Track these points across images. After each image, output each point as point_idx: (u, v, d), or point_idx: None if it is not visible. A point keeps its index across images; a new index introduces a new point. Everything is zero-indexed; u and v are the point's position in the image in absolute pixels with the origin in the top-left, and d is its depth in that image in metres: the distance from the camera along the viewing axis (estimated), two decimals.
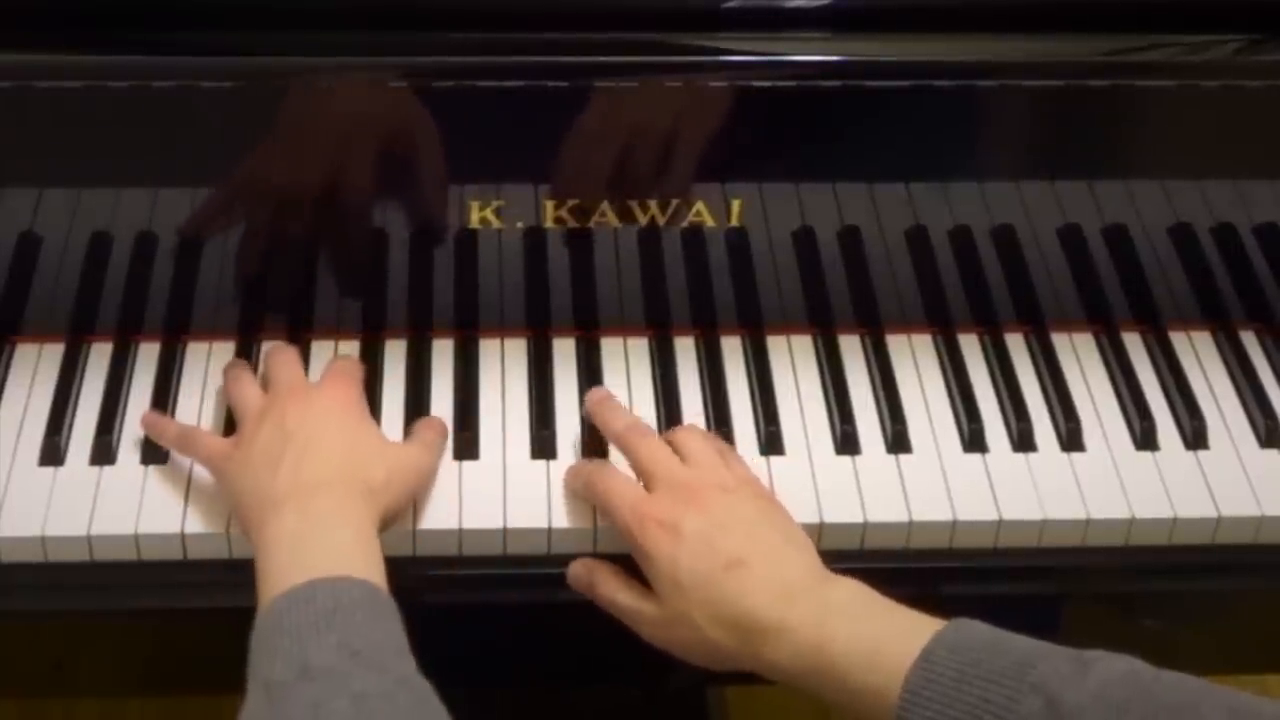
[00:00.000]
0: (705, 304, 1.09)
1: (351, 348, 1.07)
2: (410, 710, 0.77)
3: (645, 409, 1.04)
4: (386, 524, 0.92)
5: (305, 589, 0.81)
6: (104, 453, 0.99)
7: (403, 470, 0.94)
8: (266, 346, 1.07)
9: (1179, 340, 1.11)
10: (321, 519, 0.87)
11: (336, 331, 1.08)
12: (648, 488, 0.93)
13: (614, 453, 1.00)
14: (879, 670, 0.81)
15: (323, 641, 0.78)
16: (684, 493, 0.91)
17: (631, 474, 0.96)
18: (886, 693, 0.80)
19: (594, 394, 1.02)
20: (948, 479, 1.00)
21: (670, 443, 0.96)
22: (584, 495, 0.96)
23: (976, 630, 0.81)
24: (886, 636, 0.83)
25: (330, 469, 0.90)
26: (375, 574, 0.85)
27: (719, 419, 1.03)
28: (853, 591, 0.86)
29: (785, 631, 0.84)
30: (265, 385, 1.01)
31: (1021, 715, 0.75)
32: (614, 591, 0.93)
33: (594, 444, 1.01)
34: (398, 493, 0.93)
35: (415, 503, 0.96)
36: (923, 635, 0.81)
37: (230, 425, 1.01)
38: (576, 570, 0.95)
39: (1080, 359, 1.10)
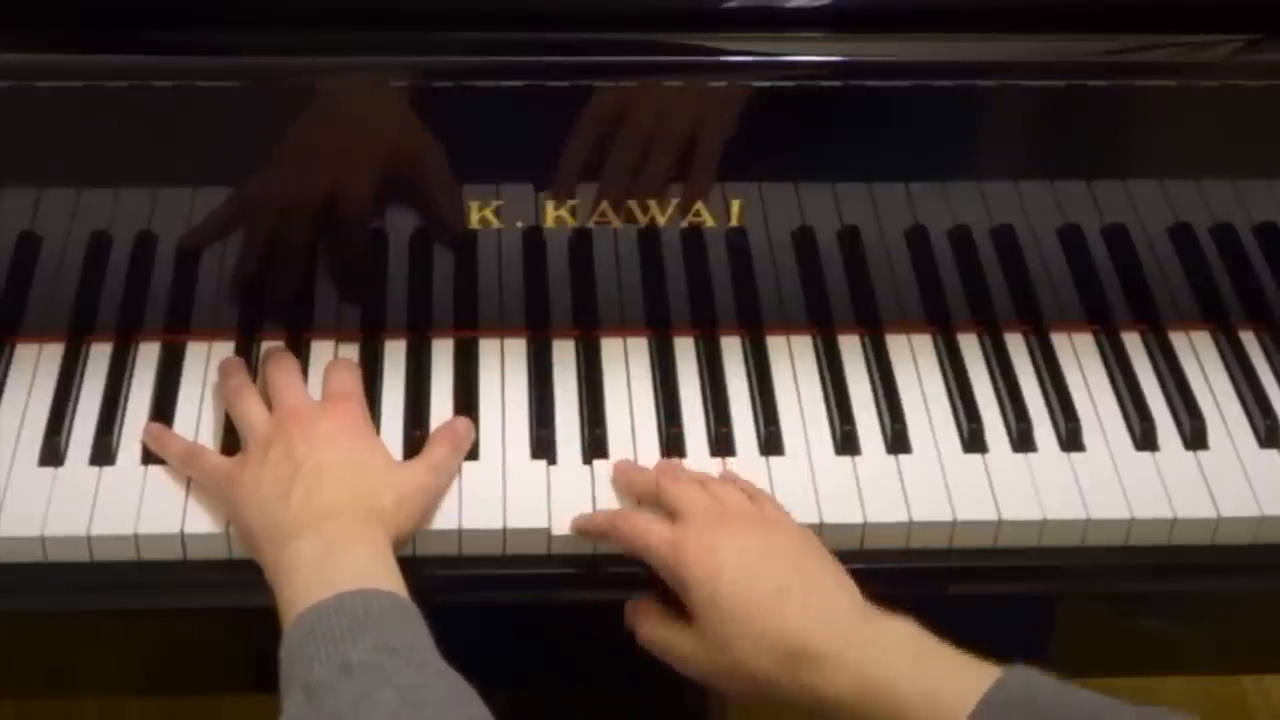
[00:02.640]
0: (705, 304, 1.09)
1: (351, 348, 1.07)
2: (453, 702, 0.78)
3: (645, 409, 1.04)
4: (397, 546, 0.92)
5: (333, 601, 0.82)
6: (104, 453, 0.99)
7: (410, 494, 0.94)
8: (266, 346, 1.07)
9: (1179, 340, 1.11)
10: (339, 540, 0.88)
11: (336, 332, 1.08)
12: (674, 523, 0.92)
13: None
14: (938, 707, 0.81)
15: (359, 643, 0.79)
16: (720, 522, 0.91)
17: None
18: None
19: (617, 464, 0.99)
20: (947, 479, 1.00)
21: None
22: (610, 538, 0.94)
23: (1039, 680, 0.81)
24: (944, 677, 0.82)
25: (341, 497, 0.90)
26: (397, 587, 0.86)
27: (719, 419, 1.03)
28: (906, 629, 0.86)
29: (838, 662, 0.83)
30: (265, 394, 1.01)
31: None
32: (654, 628, 0.92)
33: (594, 444, 1.01)
34: (407, 516, 0.93)
35: None
36: (981, 678, 0.80)
37: (231, 427, 1.01)
38: (628, 610, 0.95)
39: (1080, 359, 1.10)
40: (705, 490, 0.95)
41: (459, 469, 0.99)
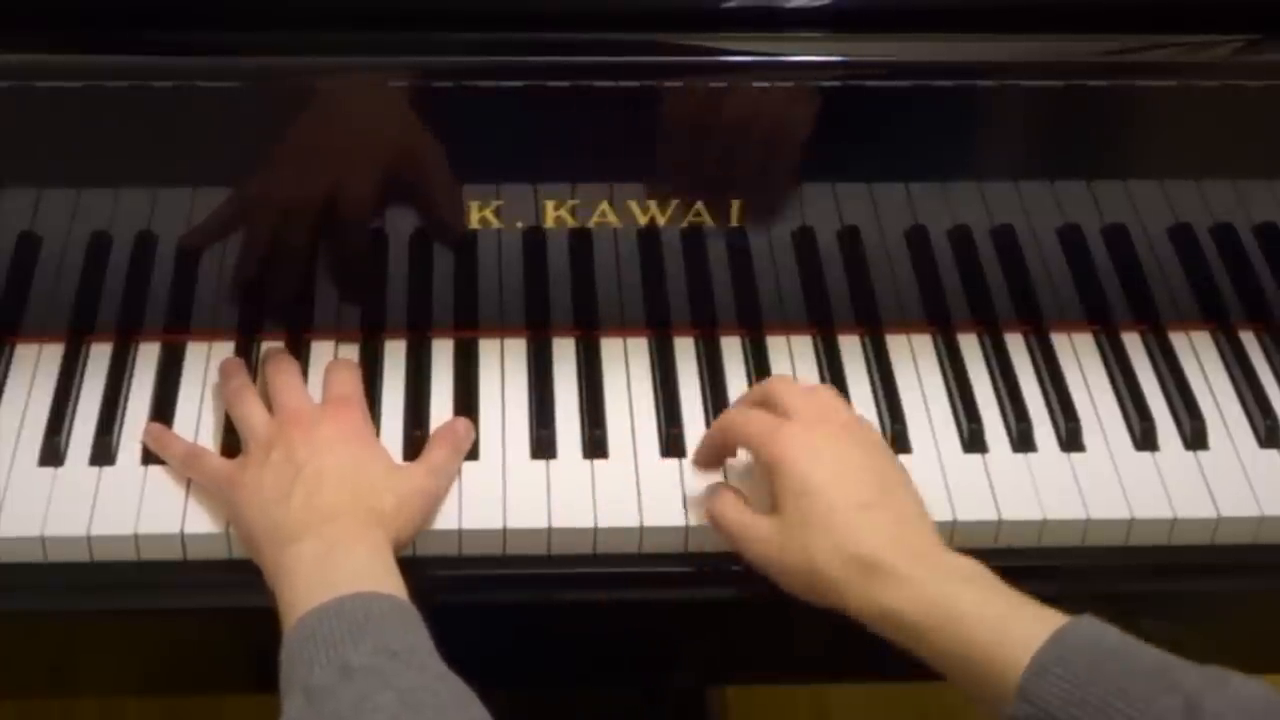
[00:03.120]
0: (705, 304, 1.09)
1: (351, 348, 1.07)
2: (454, 705, 0.78)
3: (645, 409, 1.04)
4: (398, 549, 0.92)
5: (333, 604, 0.82)
6: (104, 453, 0.99)
7: (410, 496, 0.94)
8: (266, 347, 1.07)
9: (1179, 340, 1.11)
10: (339, 542, 0.88)
11: (336, 331, 1.08)
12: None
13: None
14: (1000, 638, 0.82)
15: (359, 646, 0.79)
16: (822, 421, 0.93)
17: None
18: (1010, 662, 0.80)
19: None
20: (947, 479, 1.00)
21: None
22: (716, 442, 0.97)
23: (1106, 629, 0.82)
24: (1012, 612, 0.84)
25: (341, 500, 0.91)
26: (398, 589, 0.86)
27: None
28: (976, 565, 0.87)
29: (909, 580, 0.85)
30: (264, 394, 1.01)
31: (1156, 712, 0.76)
32: (727, 507, 0.93)
33: (594, 444, 1.01)
34: (407, 519, 0.93)
35: None
36: (1049, 619, 0.82)
37: (231, 428, 1.01)
38: (706, 503, 0.95)
39: (1080, 359, 1.10)
40: (817, 396, 0.96)
41: (459, 470, 0.99)
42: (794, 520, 0.89)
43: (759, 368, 1.07)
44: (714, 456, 0.98)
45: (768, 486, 0.92)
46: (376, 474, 0.94)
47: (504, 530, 0.96)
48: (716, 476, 0.99)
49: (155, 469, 0.99)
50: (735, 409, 0.98)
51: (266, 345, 1.07)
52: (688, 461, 1.01)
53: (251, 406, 0.99)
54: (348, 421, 0.97)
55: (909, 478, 0.94)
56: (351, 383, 1.02)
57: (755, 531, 0.91)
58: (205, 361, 1.06)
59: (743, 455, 0.98)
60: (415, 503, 0.94)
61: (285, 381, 1.01)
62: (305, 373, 1.05)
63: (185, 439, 1.00)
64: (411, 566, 0.94)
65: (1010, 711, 0.80)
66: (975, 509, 0.98)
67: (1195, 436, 1.04)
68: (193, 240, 1.03)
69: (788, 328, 1.10)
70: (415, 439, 1.01)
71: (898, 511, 0.90)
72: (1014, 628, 0.82)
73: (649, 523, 0.97)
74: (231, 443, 1.00)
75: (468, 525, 0.96)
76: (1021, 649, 0.80)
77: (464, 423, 1.00)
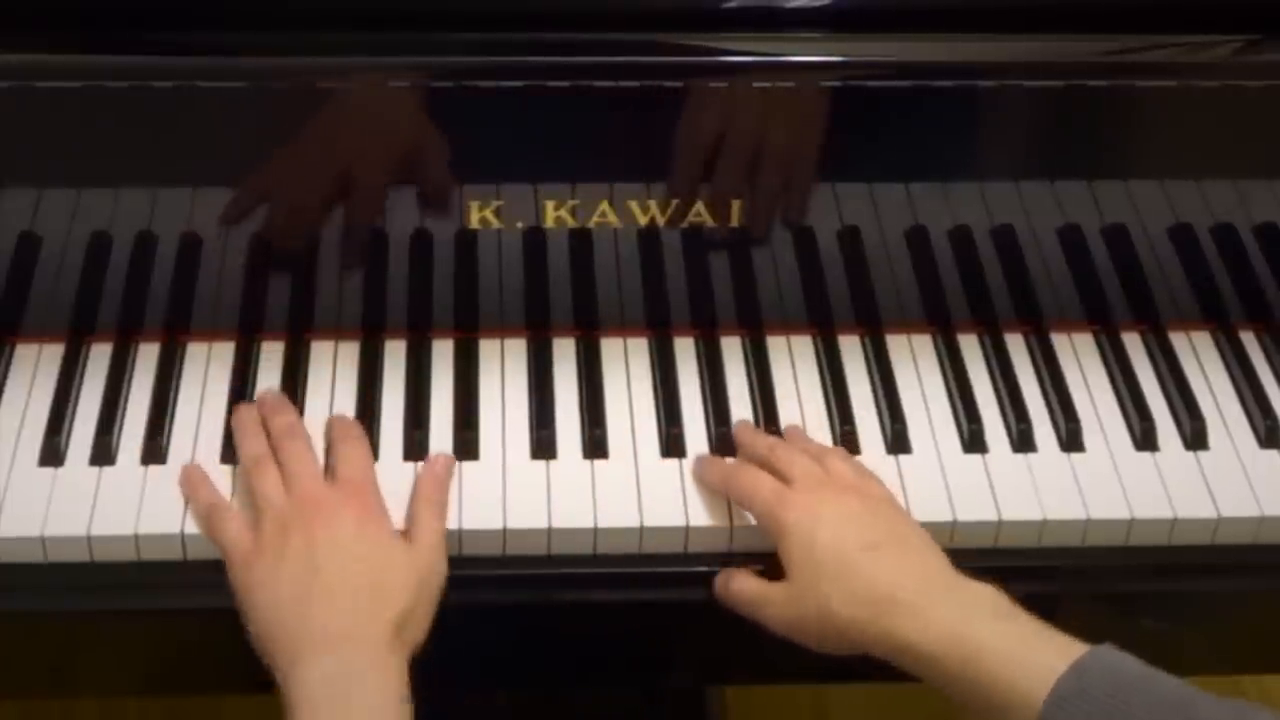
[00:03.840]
0: (705, 304, 1.09)
1: (352, 348, 1.07)
2: None
3: (645, 409, 1.04)
4: (415, 649, 0.90)
5: None
6: (104, 453, 0.99)
7: (425, 587, 0.92)
8: (267, 347, 1.07)
9: (1179, 340, 1.11)
10: (353, 672, 0.86)
11: (336, 331, 1.08)
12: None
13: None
14: (1020, 669, 0.82)
15: None
16: (825, 486, 0.94)
17: None
18: (1030, 694, 0.81)
19: (736, 426, 1.03)
20: (947, 479, 1.00)
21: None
22: (720, 487, 0.97)
23: (1124, 659, 0.82)
24: (1029, 639, 0.84)
25: (359, 616, 0.88)
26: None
27: (718, 419, 1.03)
28: (993, 593, 0.88)
29: (924, 614, 0.86)
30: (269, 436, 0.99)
31: None
32: (742, 582, 0.94)
33: (594, 444, 1.01)
34: (425, 613, 0.92)
35: None
36: (1067, 648, 0.82)
37: (230, 429, 1.01)
38: (717, 582, 0.96)
39: (1080, 359, 1.10)
40: (816, 461, 0.97)
41: (458, 469, 0.99)
42: (805, 577, 0.90)
43: (759, 368, 1.07)
44: (707, 487, 0.99)
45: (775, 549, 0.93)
46: (395, 574, 0.91)
47: (504, 530, 0.96)
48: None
49: (155, 469, 0.99)
50: (740, 467, 0.98)
51: (267, 345, 1.07)
52: (688, 462, 1.01)
53: (271, 483, 0.95)
54: (365, 512, 0.94)
55: (916, 523, 0.94)
56: (363, 461, 0.98)
57: (771, 596, 0.92)
58: (205, 361, 1.06)
59: None
60: (429, 597, 0.92)
61: (299, 457, 0.97)
62: (305, 372, 1.05)
63: (215, 491, 0.97)
64: None
65: None
66: (975, 509, 0.98)
67: (1195, 436, 1.04)
68: (194, 227, 1.02)
69: (788, 328, 1.10)
70: (415, 439, 1.01)
71: (906, 547, 0.91)
72: (1033, 658, 0.83)
73: (649, 523, 0.97)
74: (232, 446, 1.00)
75: (468, 525, 0.96)
76: (1040, 681, 0.81)
77: (443, 461, 0.99)
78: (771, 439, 1.00)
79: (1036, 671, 0.81)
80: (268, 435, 0.99)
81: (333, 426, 1.01)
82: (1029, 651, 0.83)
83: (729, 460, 1.00)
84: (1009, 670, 0.83)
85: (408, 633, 0.90)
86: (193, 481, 0.97)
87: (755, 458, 0.98)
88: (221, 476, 0.98)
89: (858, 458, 1.01)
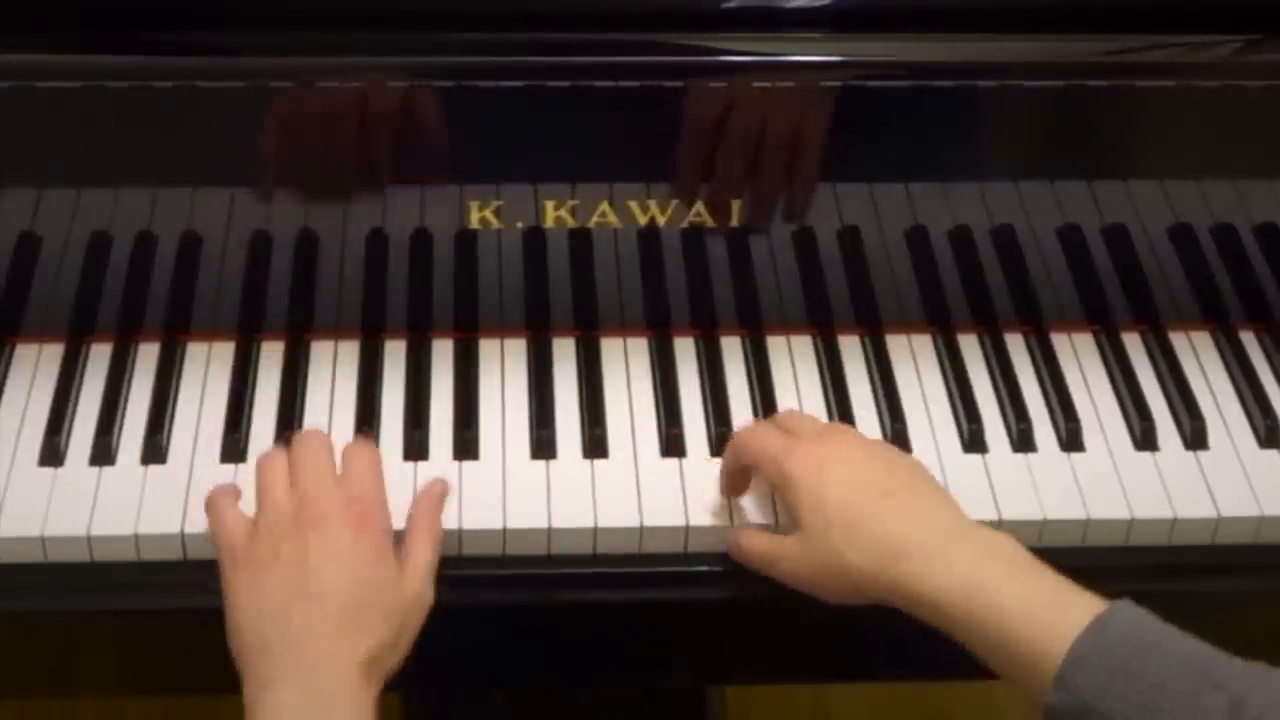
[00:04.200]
0: (705, 304, 1.09)
1: (351, 348, 1.07)
2: None
3: (645, 409, 1.04)
4: (390, 676, 0.89)
5: None
6: (104, 453, 0.99)
7: (409, 619, 0.90)
8: (267, 347, 1.07)
9: (1179, 340, 1.11)
10: (326, 709, 0.84)
11: (336, 331, 1.08)
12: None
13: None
14: (1037, 624, 0.81)
15: None
16: (830, 435, 0.95)
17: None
18: (1045, 649, 0.80)
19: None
20: (947, 479, 1.00)
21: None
22: (728, 459, 0.97)
23: (1148, 617, 0.81)
24: (1047, 593, 0.83)
25: (342, 639, 0.86)
26: None
27: (718, 419, 1.03)
28: (1009, 542, 0.87)
29: (938, 561, 0.85)
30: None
31: (1203, 710, 0.75)
32: (754, 539, 0.94)
33: (594, 444, 1.01)
34: (405, 643, 0.90)
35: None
36: (1083, 603, 0.81)
37: (231, 429, 1.01)
38: (730, 542, 0.96)
39: (1080, 359, 1.10)
40: (822, 424, 0.99)
41: (458, 469, 0.99)
42: (817, 528, 0.89)
43: (759, 368, 1.07)
44: (733, 482, 0.98)
45: (783, 504, 0.93)
46: (383, 603, 0.89)
47: (504, 530, 0.96)
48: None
49: (155, 469, 0.99)
50: (745, 429, 0.99)
51: (267, 345, 1.07)
52: (688, 462, 1.01)
53: (276, 476, 0.93)
54: (364, 524, 0.91)
55: (924, 468, 0.94)
56: (372, 465, 0.96)
57: (783, 550, 0.91)
58: (205, 361, 1.06)
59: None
60: (412, 624, 0.90)
61: (309, 457, 0.95)
62: (305, 372, 1.05)
63: (225, 491, 0.95)
64: None
65: (1048, 700, 0.79)
66: (975, 509, 0.98)
67: (1195, 436, 1.04)
68: (194, 226, 1.02)
69: (788, 328, 1.10)
70: (415, 439, 1.01)
71: (918, 494, 0.90)
72: (1050, 614, 0.81)
73: (649, 523, 0.97)
74: (232, 445, 1.00)
75: (468, 525, 0.96)
76: (1059, 637, 0.79)
77: (439, 487, 0.97)
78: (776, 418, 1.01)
79: (1054, 628, 0.80)
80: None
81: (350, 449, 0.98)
82: (1045, 608, 0.82)
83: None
84: (1025, 626, 0.81)
85: (385, 661, 0.88)
86: (216, 491, 0.95)
87: (761, 425, 0.99)
88: (222, 476, 0.98)
89: None
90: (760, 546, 0.93)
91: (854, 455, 0.92)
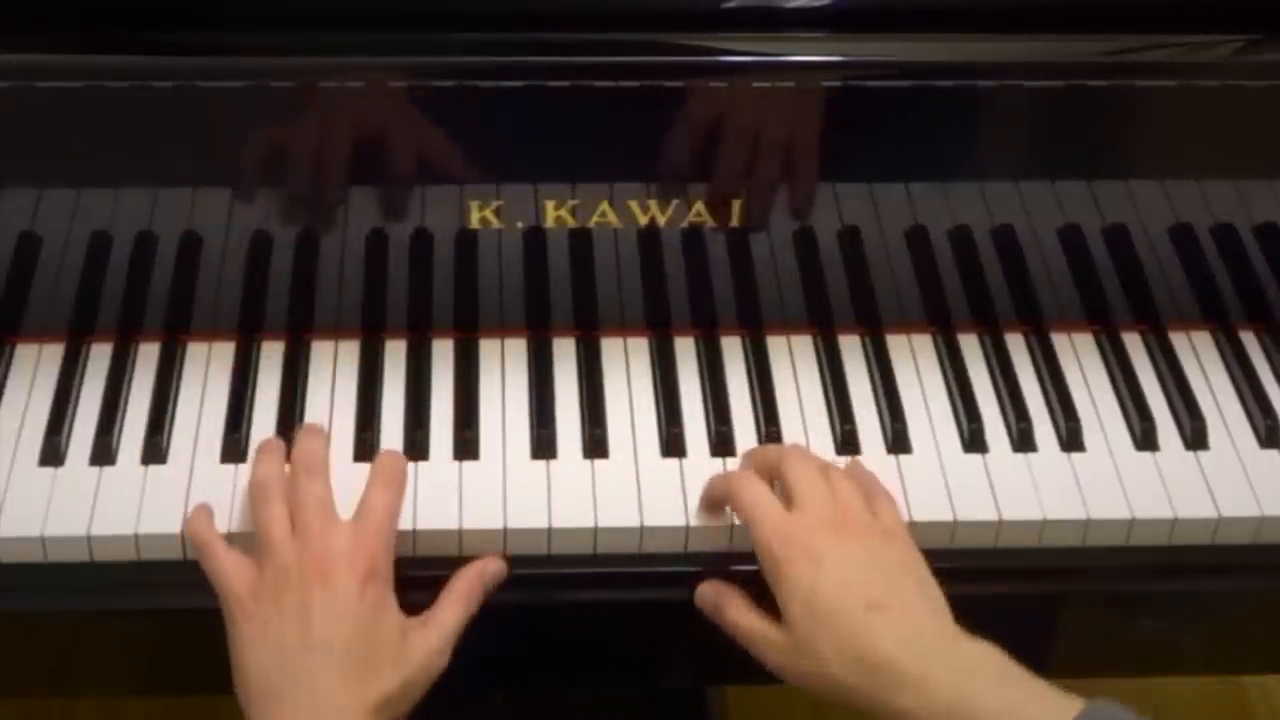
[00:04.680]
0: (705, 304, 1.09)
1: (351, 348, 1.07)
2: None
3: (645, 409, 1.04)
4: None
5: None
6: (104, 453, 0.99)
7: (418, 674, 0.90)
8: (267, 347, 1.07)
9: (1179, 340, 1.11)
10: None
11: (336, 331, 1.08)
12: (789, 509, 0.92)
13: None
14: None
15: None
16: (830, 524, 0.91)
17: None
18: None
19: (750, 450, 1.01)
20: (948, 479, 1.00)
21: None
22: (720, 498, 0.95)
23: (1125, 712, 0.81)
24: (1027, 705, 0.83)
25: (343, 693, 0.87)
26: None
27: (719, 419, 1.03)
28: (991, 654, 0.86)
29: (924, 683, 0.84)
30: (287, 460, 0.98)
31: None
32: (740, 615, 0.93)
33: (594, 444, 1.01)
34: (411, 697, 0.90)
35: (415, 501, 0.97)
36: (1064, 708, 0.82)
37: (231, 430, 1.01)
38: (704, 591, 0.95)
39: (1080, 359, 1.10)
40: (828, 484, 0.94)
41: (458, 469, 0.99)
42: (803, 627, 0.88)
43: (759, 368, 1.07)
44: (714, 507, 0.97)
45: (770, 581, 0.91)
46: (387, 655, 0.89)
47: (504, 530, 0.96)
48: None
49: (155, 469, 0.99)
50: (745, 480, 0.95)
51: (267, 345, 1.07)
52: (688, 461, 1.01)
53: (274, 519, 0.92)
54: (371, 579, 0.90)
55: (919, 561, 0.92)
56: (390, 513, 0.94)
57: (769, 639, 0.90)
58: (205, 361, 1.06)
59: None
60: (421, 679, 0.91)
61: (313, 497, 0.93)
62: (305, 372, 1.05)
63: (212, 528, 0.94)
64: (411, 567, 0.94)
65: None
66: (975, 509, 0.98)
67: (1195, 436, 1.04)
68: (194, 226, 1.02)
69: (788, 328, 1.10)
70: (415, 440, 1.01)
71: (907, 606, 0.88)
72: None
73: (649, 523, 0.97)
74: (232, 445, 1.00)
75: (468, 525, 0.96)
76: None
77: (495, 567, 0.95)
78: (783, 449, 0.98)
79: None
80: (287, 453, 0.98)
81: (380, 462, 0.97)
82: (1029, 718, 0.82)
83: (733, 470, 0.98)
84: None
85: (393, 707, 0.89)
86: (195, 519, 0.95)
87: (762, 465, 0.97)
88: (222, 476, 0.98)
89: (858, 458, 1.01)
90: (747, 626, 0.92)
91: (853, 558, 0.89)
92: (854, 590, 0.88)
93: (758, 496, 0.93)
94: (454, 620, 0.93)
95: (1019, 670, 0.86)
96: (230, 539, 0.94)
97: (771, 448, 0.99)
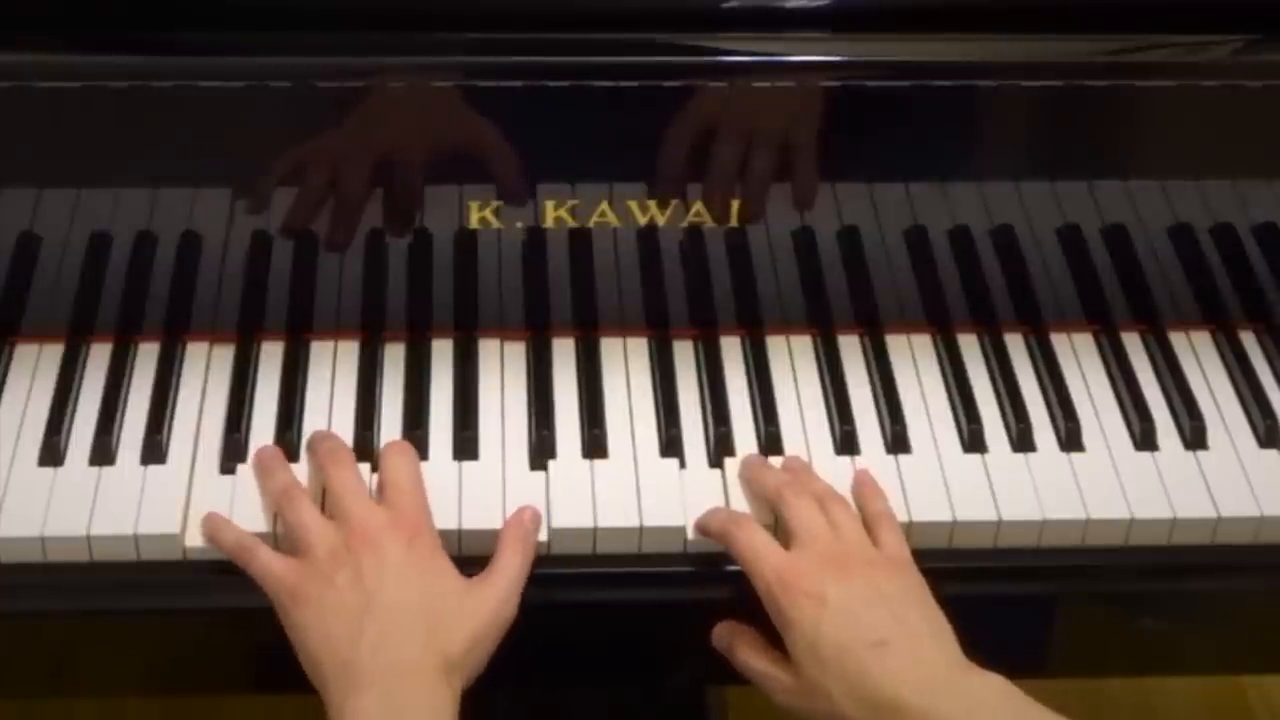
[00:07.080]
0: (705, 304, 1.09)
1: (351, 348, 1.07)
2: None
3: (645, 409, 1.04)
4: (469, 683, 0.90)
5: None
6: (104, 453, 0.99)
7: (484, 632, 0.91)
8: (267, 347, 1.07)
9: (1178, 340, 1.11)
10: (406, 705, 0.86)
11: (336, 331, 1.08)
12: (788, 547, 0.92)
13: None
14: None
15: None
16: (831, 562, 0.91)
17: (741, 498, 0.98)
18: None
19: (748, 459, 1.00)
20: (947, 479, 1.00)
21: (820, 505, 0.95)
22: (717, 537, 0.95)
23: None
24: None
25: (414, 647, 0.88)
26: None
27: (718, 419, 1.03)
28: (998, 686, 0.86)
29: (928, 718, 0.84)
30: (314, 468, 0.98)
31: None
32: (750, 657, 0.93)
33: (593, 444, 1.01)
34: (480, 656, 0.91)
35: None
36: None
37: (232, 429, 1.01)
38: (719, 632, 0.96)
39: (1080, 359, 1.10)
40: (827, 514, 0.94)
41: (458, 469, 0.99)
42: (810, 669, 0.88)
43: (759, 368, 1.07)
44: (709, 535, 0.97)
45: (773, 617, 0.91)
46: (450, 608, 0.90)
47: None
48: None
49: (155, 469, 0.99)
50: (742, 524, 0.94)
51: (267, 345, 1.07)
52: (687, 462, 1.01)
53: (307, 513, 0.93)
54: (418, 539, 0.92)
55: (924, 590, 0.92)
56: (412, 473, 0.96)
57: (778, 680, 0.91)
58: (205, 361, 1.06)
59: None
60: (489, 635, 0.91)
61: (345, 483, 0.95)
62: (305, 372, 1.05)
63: (238, 527, 0.94)
64: None
65: None
66: (975, 509, 0.98)
67: (1195, 436, 1.04)
68: (194, 227, 1.02)
69: (788, 328, 1.10)
70: (415, 439, 1.01)
71: (913, 641, 0.88)
72: None
73: (649, 523, 0.97)
74: (233, 446, 1.00)
75: (468, 525, 0.96)
76: None
77: (531, 512, 0.96)
78: (780, 478, 0.97)
79: None
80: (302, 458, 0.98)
81: (384, 448, 0.98)
82: None
83: (727, 510, 0.97)
84: None
85: (463, 663, 0.89)
86: (214, 524, 0.95)
87: (760, 497, 0.97)
88: (222, 476, 0.99)
89: (859, 458, 1.01)
90: (758, 669, 0.93)
91: (855, 594, 0.89)
92: (858, 629, 0.87)
93: (753, 540, 0.92)
94: (515, 567, 0.93)
95: (1026, 701, 0.85)
96: None
97: (769, 475, 0.98)
